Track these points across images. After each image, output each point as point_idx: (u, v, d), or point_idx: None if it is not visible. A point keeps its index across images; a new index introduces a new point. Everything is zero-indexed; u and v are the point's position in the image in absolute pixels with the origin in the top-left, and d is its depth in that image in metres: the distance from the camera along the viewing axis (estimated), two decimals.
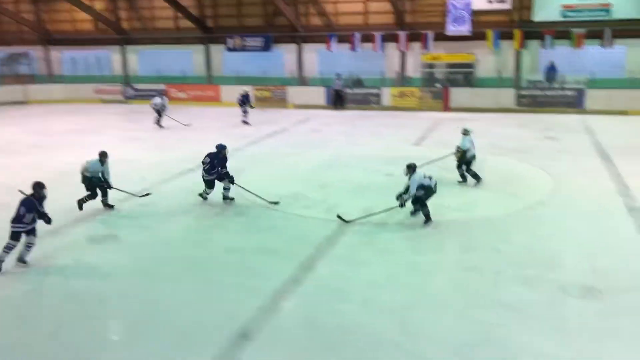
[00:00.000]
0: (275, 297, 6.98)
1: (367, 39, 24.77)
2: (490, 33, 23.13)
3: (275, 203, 10.49)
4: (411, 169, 9.44)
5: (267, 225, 9.71)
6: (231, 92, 26.22)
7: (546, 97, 22.41)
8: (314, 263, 8.02)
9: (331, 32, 25.57)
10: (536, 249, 8.44)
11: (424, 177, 9.46)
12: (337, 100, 24.57)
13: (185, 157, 14.46)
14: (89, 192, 10.28)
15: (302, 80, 26.91)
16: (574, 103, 21.89)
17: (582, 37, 21.99)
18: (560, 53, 22.82)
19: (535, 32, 22.77)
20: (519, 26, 23.09)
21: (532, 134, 17.76)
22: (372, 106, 24.34)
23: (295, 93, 25.80)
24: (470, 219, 9.39)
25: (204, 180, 10.67)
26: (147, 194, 11.10)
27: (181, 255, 8.54)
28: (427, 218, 9.48)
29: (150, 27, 29.48)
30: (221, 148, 10.68)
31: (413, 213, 9.86)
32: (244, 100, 20.70)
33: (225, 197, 10.81)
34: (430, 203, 9.42)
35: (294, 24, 26.27)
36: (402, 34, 24.38)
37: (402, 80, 25.35)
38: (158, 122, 20.05)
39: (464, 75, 24.68)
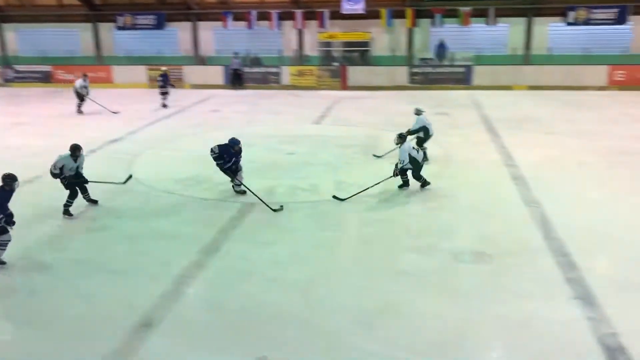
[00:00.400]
0: (177, 283, 6.86)
1: (264, 17, 24.55)
2: (383, 12, 23.69)
3: (279, 209, 9.25)
4: (402, 138, 9.84)
5: (167, 210, 9.47)
6: (124, 73, 25.12)
7: (437, 74, 23.36)
8: (218, 246, 7.95)
9: (227, 10, 25.07)
10: (430, 219, 8.89)
11: (412, 148, 9.85)
12: (236, 79, 24.23)
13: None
14: (70, 192, 9.14)
15: (198, 60, 26.24)
16: (462, 79, 23.02)
17: (468, 15, 23.09)
18: (449, 31, 23.89)
19: (426, 10, 23.60)
20: (411, 5, 23.81)
21: (425, 109, 18.45)
22: (272, 85, 24.25)
23: (191, 73, 25.11)
24: (367, 193, 9.68)
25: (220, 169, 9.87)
26: (130, 177, 10.14)
27: (75, 247, 8.15)
28: (424, 184, 10.10)
29: (28, 3, 27.31)
30: (234, 143, 9.69)
31: (401, 186, 10.14)
32: (165, 81, 19.64)
33: (236, 190, 10.04)
34: (329, 179, 9.60)
35: (187, 1, 25.46)
36: (298, 12, 24.38)
37: (300, 59, 25.43)
38: (79, 108, 18.38)
39: (360, 54, 25.18)
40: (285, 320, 6.06)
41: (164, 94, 19.63)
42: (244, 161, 9.98)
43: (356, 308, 6.26)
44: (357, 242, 8.13)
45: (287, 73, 24.42)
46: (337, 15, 23.92)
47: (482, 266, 7.24)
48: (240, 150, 9.76)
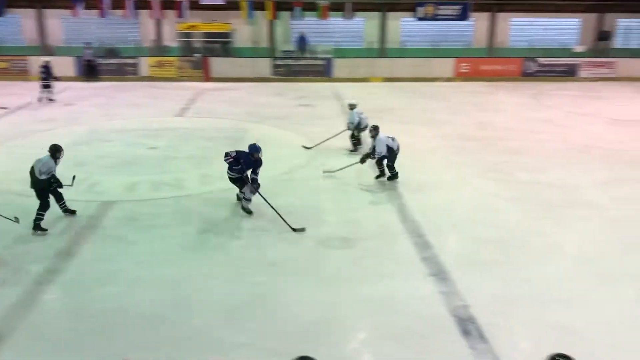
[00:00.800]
0: (31, 291, 6.35)
1: (118, 5, 23.28)
2: (244, 3, 23.57)
3: (301, 230, 8.17)
4: (376, 129, 10.08)
5: (20, 213, 8.67)
6: None
7: (299, 66, 23.78)
8: (75, 248, 7.47)
9: None
10: (298, 208, 9.05)
11: (388, 137, 10.01)
12: (89, 71, 22.73)
13: None
14: (41, 202, 7.97)
15: (46, 50, 24.24)
16: (323, 72, 23.64)
17: (326, 9, 23.74)
18: (309, 24, 24.40)
19: (285, 3, 23.86)
20: None
21: (288, 101, 18.78)
22: (129, 77, 23.12)
23: (38, 63, 23.13)
24: (232, 187, 9.63)
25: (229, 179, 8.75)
26: (74, 177, 8.73)
27: None
28: (393, 176, 10.21)
29: None
30: (254, 150, 8.56)
31: (378, 176, 10.26)
32: (47, 73, 17.73)
33: (243, 207, 8.76)
34: (194, 173, 9.42)
35: None
36: (155, 2, 23.43)
37: (159, 49, 24.52)
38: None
39: (222, 45, 24.85)
40: (152, 321, 5.86)
41: (46, 87, 17.83)
42: (99, 155, 9.40)
43: (225, 303, 6.22)
44: (226, 236, 8.07)
45: (145, 64, 23.43)
46: (196, 6, 23.36)
47: (347, 250, 7.54)
48: (260, 160, 8.62)
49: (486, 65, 24.10)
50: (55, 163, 8.08)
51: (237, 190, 8.76)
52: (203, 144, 12.92)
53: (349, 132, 12.35)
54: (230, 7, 23.53)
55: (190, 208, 9.06)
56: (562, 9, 25.10)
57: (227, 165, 8.53)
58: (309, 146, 12.61)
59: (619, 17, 25.61)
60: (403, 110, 17.17)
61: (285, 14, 24.45)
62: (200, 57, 23.52)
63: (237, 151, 8.56)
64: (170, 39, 24.78)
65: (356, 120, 12.09)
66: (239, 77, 22.88)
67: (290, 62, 23.88)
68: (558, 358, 3.33)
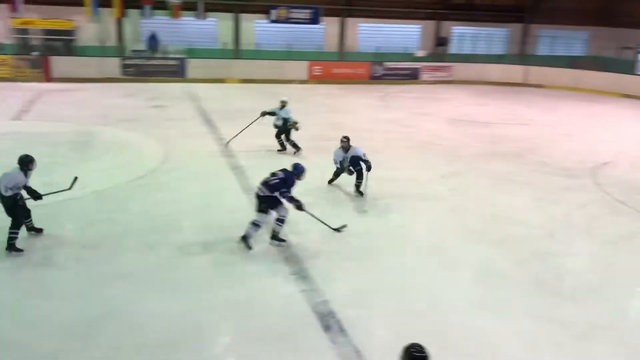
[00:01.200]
0: None
1: None
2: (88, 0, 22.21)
3: (343, 227, 8.23)
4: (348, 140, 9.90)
5: None
6: None
7: (151, 66, 22.92)
8: None
9: None
10: (154, 215, 8.74)
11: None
12: None
13: None
14: (12, 220, 7.06)
15: None
16: (176, 72, 23.02)
17: (178, 8, 23.15)
18: (160, 23, 23.61)
19: (134, 0, 22.86)
20: None
21: (139, 103, 18.03)
22: None
23: None
24: (83, 194, 9.06)
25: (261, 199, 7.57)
26: (75, 179, 7.95)
27: None
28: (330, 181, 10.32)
29: None
30: (301, 172, 7.69)
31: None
32: None
33: (274, 236, 7.75)
34: (38, 183, 8.67)
35: None
36: None
37: None
38: None
39: (64, 43, 23.12)
40: None
41: None
42: None
43: (76, 320, 5.82)
44: (77, 246, 7.53)
45: None
46: (33, 0, 21.52)
47: (207, 255, 7.43)
48: (298, 180, 7.80)
49: (338, 68, 25.04)
50: (26, 176, 7.19)
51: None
52: (46, 150, 11.94)
53: (276, 131, 12.49)
54: (73, 3, 22.01)
55: (41, 216, 8.31)
56: (405, 15, 26.90)
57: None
58: (226, 141, 12.86)
59: (454, 24, 28.02)
60: (260, 112, 17.20)
61: (133, 12, 23.40)
62: (39, 56, 21.70)
63: (284, 171, 7.74)
64: (4, 36, 22.56)
65: (289, 116, 12.27)
66: (85, 78, 21.47)
67: (141, 62, 22.91)
68: (412, 349, 3.56)
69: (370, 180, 9.73)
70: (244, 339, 5.72)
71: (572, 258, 7.92)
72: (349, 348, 5.55)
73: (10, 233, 7.11)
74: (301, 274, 6.98)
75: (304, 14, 25.14)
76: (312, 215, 7.88)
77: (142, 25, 24.03)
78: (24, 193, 7.26)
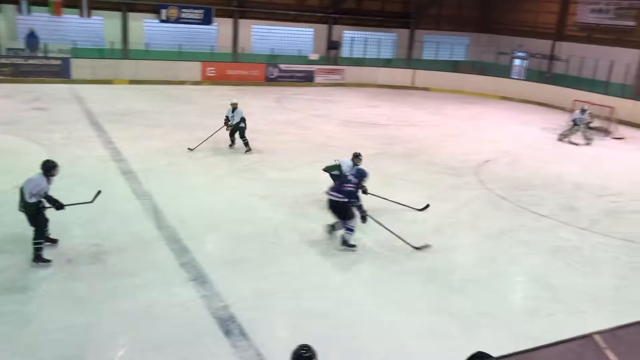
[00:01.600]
0: None
1: None
2: None
3: (425, 247, 8.12)
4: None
5: None
6: None
7: (30, 66, 21.38)
8: None
9: None
10: None
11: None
12: None
13: None
14: (35, 229, 6.83)
15: None
16: (60, 72, 21.64)
17: (59, 5, 21.80)
18: (40, 21, 22.10)
19: None
20: None
21: (18, 105, 16.77)
22: None
23: None
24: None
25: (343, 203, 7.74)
26: (99, 192, 7.69)
27: None
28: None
29: None
30: (364, 175, 8.13)
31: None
32: None
33: (345, 241, 7.94)
34: None
35: None
36: None
37: None
38: None
39: None
40: None
41: None
42: None
43: None
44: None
45: None
46: None
47: (99, 265, 7.08)
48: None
49: (232, 69, 24.77)
50: (49, 182, 6.94)
51: None
52: None
53: (227, 128, 12.91)
54: None
55: None
56: (298, 18, 27.16)
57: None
58: (192, 147, 12.69)
59: (345, 29, 28.71)
60: (153, 113, 16.72)
61: (9, 8, 21.72)
62: None
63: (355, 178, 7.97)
64: None
65: (242, 117, 12.84)
66: None
67: (18, 61, 21.30)
68: (301, 350, 3.60)
69: (270, 181, 9.75)
70: (141, 349, 5.52)
71: (460, 252, 8.41)
72: (251, 352, 5.53)
73: (35, 244, 6.93)
74: (200, 280, 6.85)
75: (196, 14, 24.63)
76: (385, 227, 8.05)
77: (18, 22, 22.35)
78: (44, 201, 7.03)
